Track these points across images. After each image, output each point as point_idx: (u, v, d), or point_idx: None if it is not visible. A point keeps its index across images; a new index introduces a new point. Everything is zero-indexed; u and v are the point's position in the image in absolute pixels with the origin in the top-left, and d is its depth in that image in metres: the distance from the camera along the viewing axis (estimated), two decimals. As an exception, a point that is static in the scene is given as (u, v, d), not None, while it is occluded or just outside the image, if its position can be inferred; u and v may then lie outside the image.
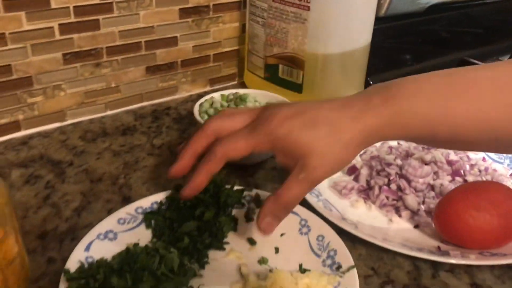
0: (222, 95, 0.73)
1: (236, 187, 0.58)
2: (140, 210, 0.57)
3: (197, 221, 0.54)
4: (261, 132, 0.46)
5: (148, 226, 0.55)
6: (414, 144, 0.72)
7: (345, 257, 0.51)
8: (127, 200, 0.61)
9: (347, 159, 0.46)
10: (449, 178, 0.63)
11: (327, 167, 0.45)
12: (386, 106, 0.44)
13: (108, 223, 0.54)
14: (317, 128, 0.45)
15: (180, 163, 0.51)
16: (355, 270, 0.49)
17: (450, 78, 0.45)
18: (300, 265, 0.52)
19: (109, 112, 0.83)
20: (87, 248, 0.51)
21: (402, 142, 0.72)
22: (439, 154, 0.66)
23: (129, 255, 0.49)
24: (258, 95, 0.74)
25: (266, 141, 0.46)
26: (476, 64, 1.01)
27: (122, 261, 0.48)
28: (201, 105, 0.70)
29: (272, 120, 0.46)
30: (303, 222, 0.56)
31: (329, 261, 0.51)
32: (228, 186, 0.58)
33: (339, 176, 0.67)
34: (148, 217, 0.56)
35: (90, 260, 0.50)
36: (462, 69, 0.46)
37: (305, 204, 0.58)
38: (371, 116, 0.45)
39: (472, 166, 0.67)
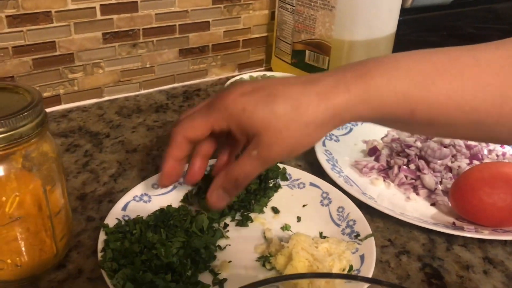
0: (251, 76, 0.77)
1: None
2: (172, 178, 0.61)
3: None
4: (216, 108, 0.44)
5: (194, 185, 0.60)
6: (434, 129, 0.74)
7: (363, 226, 0.54)
8: (160, 170, 0.65)
9: (308, 140, 0.42)
10: (467, 161, 0.66)
11: (282, 146, 0.42)
12: (360, 82, 0.40)
13: (143, 187, 0.58)
14: (275, 103, 0.41)
15: (163, 171, 0.49)
16: (372, 238, 0.52)
17: (432, 55, 0.41)
18: (321, 233, 0.55)
19: (143, 91, 0.87)
20: (124, 208, 0.55)
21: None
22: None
23: (163, 214, 0.53)
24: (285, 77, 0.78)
25: (221, 118, 0.43)
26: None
27: (156, 218, 0.52)
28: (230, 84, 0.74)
29: (228, 96, 0.43)
30: (324, 195, 0.60)
31: (348, 230, 0.55)
32: None
33: (360, 155, 0.70)
34: None
35: (126, 218, 0.54)
36: (445, 48, 0.42)
37: (327, 178, 0.61)
38: (341, 92, 0.41)
39: (490, 151, 0.69)
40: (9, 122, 0.40)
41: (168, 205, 0.56)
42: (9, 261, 0.45)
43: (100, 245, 0.49)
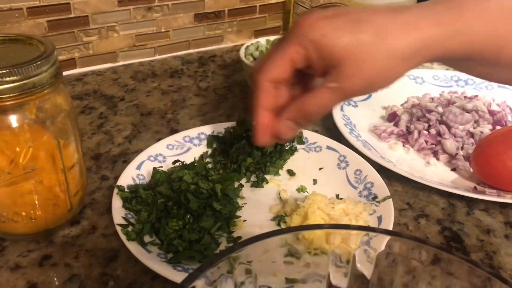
0: (267, 40, 0.75)
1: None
2: (187, 139, 0.60)
3: (258, 151, 0.57)
4: (293, 35, 0.40)
5: (209, 146, 0.59)
6: (456, 94, 0.72)
7: (381, 189, 0.53)
8: (174, 132, 0.64)
9: (391, 74, 0.39)
10: (490, 127, 0.64)
11: (365, 78, 0.38)
12: (452, 14, 0.38)
13: (158, 147, 0.58)
14: (359, 30, 0.38)
15: (257, 125, 0.44)
16: (390, 200, 0.51)
17: None
18: (337, 195, 0.54)
19: (157, 57, 0.86)
20: (139, 167, 0.55)
21: (445, 93, 0.73)
22: (481, 103, 0.66)
23: (185, 166, 0.53)
24: (303, 42, 0.76)
25: (299, 45, 0.39)
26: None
27: (171, 173, 0.52)
28: (247, 48, 0.73)
29: (306, 20, 0.39)
30: (341, 158, 0.58)
31: (365, 192, 0.54)
32: None
33: (379, 121, 0.69)
34: (211, 139, 0.59)
35: (141, 177, 0.53)
36: None
37: (345, 142, 0.60)
38: (431, 24, 0.38)
39: (514, 117, 0.67)
40: (22, 71, 0.39)
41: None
42: (23, 213, 0.45)
43: (114, 205, 0.49)
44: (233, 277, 0.35)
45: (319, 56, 0.39)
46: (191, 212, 0.47)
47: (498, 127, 0.64)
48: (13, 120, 0.41)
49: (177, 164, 0.55)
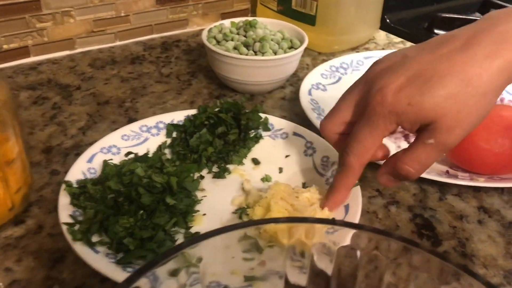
0: (232, 22, 0.71)
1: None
2: (144, 129, 0.56)
3: (220, 139, 0.53)
4: (380, 117, 0.39)
5: (168, 135, 0.56)
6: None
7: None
8: (132, 122, 0.60)
9: (488, 108, 0.38)
10: (463, 108, 0.61)
11: (464, 126, 0.37)
12: None
13: (112, 138, 0.54)
14: (441, 85, 0.37)
15: (335, 199, 0.45)
16: (358, 188, 0.48)
17: None
18: (303, 183, 0.51)
19: (118, 43, 0.82)
20: (90, 160, 0.51)
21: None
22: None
23: (138, 159, 0.49)
24: (269, 23, 0.72)
25: (389, 123, 0.39)
26: (501, 4, 0.96)
27: (122, 166, 0.48)
28: (210, 30, 0.69)
29: (385, 98, 0.38)
30: (308, 144, 0.55)
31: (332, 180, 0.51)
32: (248, 110, 0.57)
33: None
34: (171, 128, 0.56)
35: (92, 171, 0.50)
36: None
37: (313, 129, 0.57)
38: (510, 47, 0.37)
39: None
40: None
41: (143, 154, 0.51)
42: (-44, 214, 0.41)
43: (61, 201, 0.45)
44: (182, 276, 0.31)
45: (410, 123, 0.39)
46: (144, 207, 0.43)
47: (471, 108, 0.62)
48: None
49: (130, 156, 0.51)
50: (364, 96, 0.41)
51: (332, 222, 0.31)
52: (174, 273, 0.30)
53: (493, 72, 0.36)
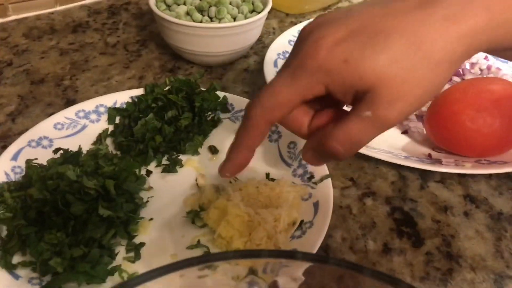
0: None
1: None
2: (82, 114, 0.48)
3: (170, 125, 0.46)
4: (305, 71, 0.32)
5: (110, 122, 0.48)
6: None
7: (319, 166, 0.43)
8: (71, 104, 0.52)
9: (440, 82, 0.31)
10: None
11: (409, 100, 0.30)
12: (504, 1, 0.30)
13: (43, 128, 0.46)
14: (388, 44, 0.30)
15: (233, 161, 0.36)
16: (329, 180, 0.41)
17: None
18: (267, 174, 0.45)
19: (59, 8, 0.72)
20: (15, 157, 0.43)
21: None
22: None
23: (68, 158, 0.42)
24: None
25: (316, 81, 0.32)
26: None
27: (49, 168, 0.40)
28: (158, -7, 0.59)
29: (318, 50, 0.31)
30: (273, 128, 0.48)
31: (300, 171, 0.44)
32: (203, 89, 0.49)
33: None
34: (113, 113, 0.48)
35: (18, 171, 0.42)
36: None
37: (277, 106, 0.50)
38: (479, 12, 0.30)
39: (472, 64, 0.58)
40: None
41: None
42: None
43: (-24, 211, 0.38)
44: None
45: (342, 87, 0.31)
46: (74, 219, 0.36)
47: (455, 78, 0.55)
48: None
49: (60, 153, 0.43)
50: (296, 51, 0.33)
51: (291, 255, 0.24)
52: None
53: (451, 38, 0.30)
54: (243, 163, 0.36)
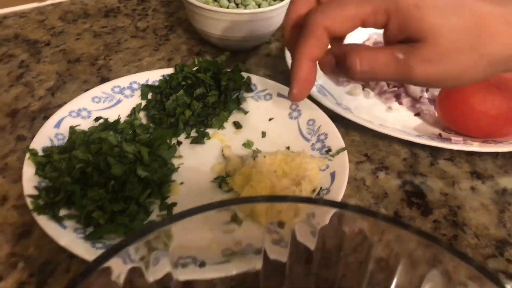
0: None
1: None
2: (117, 90, 0.52)
3: (199, 101, 0.50)
4: (377, 0, 0.33)
5: (143, 97, 0.52)
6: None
7: (336, 140, 0.47)
8: (105, 81, 0.56)
9: (471, 74, 0.33)
10: (458, 65, 0.58)
11: (440, 68, 0.32)
12: None
13: (82, 100, 0.50)
14: (456, 14, 0.32)
15: (297, 77, 0.37)
16: (345, 153, 0.45)
17: None
18: (287, 148, 0.48)
19: (91, -6, 0.76)
20: (58, 125, 0.47)
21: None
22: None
23: (108, 125, 0.46)
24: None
25: (384, 10, 0.33)
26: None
27: (91, 134, 0.44)
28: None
29: None
30: (293, 107, 0.52)
31: (318, 145, 0.48)
32: (228, 70, 0.53)
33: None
34: (145, 89, 0.52)
35: (60, 137, 0.46)
36: None
37: (297, 87, 0.53)
38: None
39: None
40: None
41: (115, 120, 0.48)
42: None
43: (25, 172, 0.42)
44: (155, 255, 0.29)
45: (401, 26, 0.33)
46: (115, 179, 0.40)
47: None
48: None
49: (100, 121, 0.47)
50: None
51: (314, 201, 0.28)
52: (149, 249, 0.28)
53: (504, 39, 0.32)
54: (308, 78, 0.37)
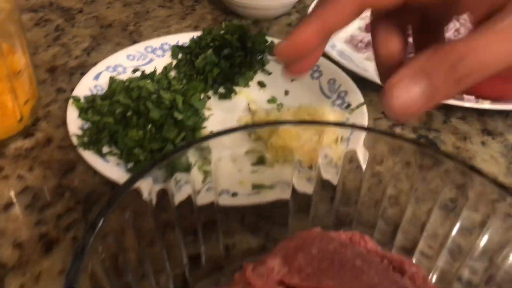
0: None
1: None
2: (149, 49, 0.56)
3: (226, 61, 0.53)
4: None
5: (173, 57, 0.55)
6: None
7: (355, 97, 0.50)
8: (137, 44, 0.60)
9: None
10: (471, 35, 0.61)
11: None
12: None
13: (118, 57, 0.53)
14: None
15: (292, 38, 0.28)
16: (364, 107, 0.48)
17: None
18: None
19: (120, -32, 0.79)
20: (96, 77, 0.51)
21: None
22: (463, 11, 0.63)
23: (145, 76, 0.49)
24: None
25: None
26: None
27: (130, 83, 0.48)
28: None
29: None
30: (315, 67, 0.55)
31: (339, 101, 0.51)
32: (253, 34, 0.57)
33: (356, 31, 0.65)
34: (176, 50, 0.55)
35: (99, 88, 0.50)
36: None
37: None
38: None
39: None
40: None
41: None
42: (-32, 123, 0.41)
43: (69, 114, 0.45)
44: (189, 179, 0.32)
45: None
46: (153, 122, 0.44)
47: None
48: None
49: (137, 73, 0.51)
50: None
51: (341, 124, 0.31)
52: (186, 170, 0.31)
53: None
54: (302, 46, 0.28)
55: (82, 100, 0.47)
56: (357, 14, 0.27)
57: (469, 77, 0.24)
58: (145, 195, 0.28)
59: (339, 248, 0.29)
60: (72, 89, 0.51)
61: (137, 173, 0.27)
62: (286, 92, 0.53)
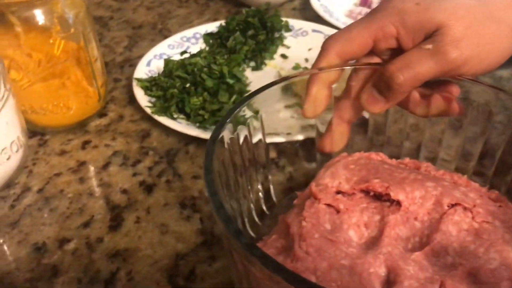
0: None
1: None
2: (185, 39, 0.65)
3: (252, 40, 0.63)
4: (382, 11, 0.35)
5: (206, 43, 0.65)
6: None
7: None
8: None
9: (501, 43, 0.34)
10: None
11: (474, 41, 0.32)
12: None
13: (161, 47, 0.63)
14: None
15: (308, 100, 0.38)
16: (376, 61, 0.58)
17: None
18: (329, 66, 0.61)
19: (133, -21, 0.89)
20: (148, 64, 0.60)
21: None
22: None
23: (193, 55, 0.59)
24: None
25: (389, 21, 0.34)
26: None
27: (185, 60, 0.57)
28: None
29: None
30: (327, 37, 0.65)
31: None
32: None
33: (353, 7, 0.75)
34: (206, 37, 0.65)
35: (153, 73, 0.59)
36: None
37: (327, 23, 0.66)
38: None
39: None
40: (45, -34, 0.43)
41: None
42: (61, 104, 0.50)
43: (137, 93, 0.54)
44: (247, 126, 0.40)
45: (412, 28, 0.34)
46: (208, 90, 0.53)
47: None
48: (43, 14, 0.45)
49: (184, 55, 0.60)
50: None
51: (373, 64, 0.40)
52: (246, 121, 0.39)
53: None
54: (319, 98, 0.37)
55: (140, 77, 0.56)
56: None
57: (398, 82, 0.33)
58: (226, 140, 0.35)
59: (367, 160, 0.39)
60: (126, 78, 0.61)
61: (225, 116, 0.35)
62: (306, 60, 0.63)
